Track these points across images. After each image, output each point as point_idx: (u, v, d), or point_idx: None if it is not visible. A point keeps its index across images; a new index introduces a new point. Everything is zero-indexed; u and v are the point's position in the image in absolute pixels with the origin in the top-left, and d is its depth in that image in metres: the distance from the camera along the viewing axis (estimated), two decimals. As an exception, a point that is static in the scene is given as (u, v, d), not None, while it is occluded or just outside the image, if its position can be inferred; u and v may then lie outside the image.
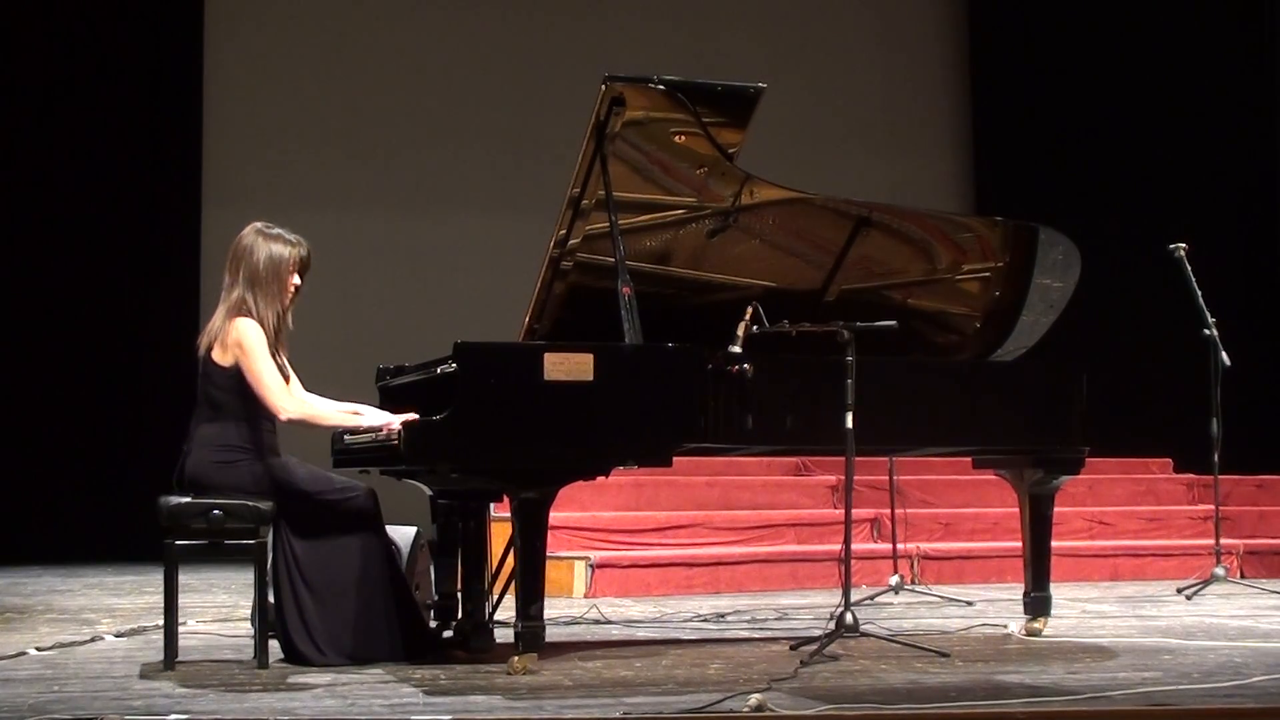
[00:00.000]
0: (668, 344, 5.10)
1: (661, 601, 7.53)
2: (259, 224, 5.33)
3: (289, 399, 5.15)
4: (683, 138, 5.37)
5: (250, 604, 5.46)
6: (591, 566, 7.83)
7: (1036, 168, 12.26)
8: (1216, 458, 7.96)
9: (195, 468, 5.14)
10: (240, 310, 5.18)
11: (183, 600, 5.42)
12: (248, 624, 5.68)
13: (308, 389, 5.35)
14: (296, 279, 5.29)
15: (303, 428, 5.22)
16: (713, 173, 5.48)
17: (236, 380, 5.15)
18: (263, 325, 5.17)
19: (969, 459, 6.25)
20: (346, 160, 11.75)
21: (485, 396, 4.90)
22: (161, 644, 5.06)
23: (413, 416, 5.03)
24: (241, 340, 5.12)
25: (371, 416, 5.25)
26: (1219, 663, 5.18)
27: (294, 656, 5.11)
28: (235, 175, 11.50)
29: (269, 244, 5.25)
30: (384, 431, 5.12)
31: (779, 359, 5.30)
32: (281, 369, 5.19)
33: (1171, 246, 8.01)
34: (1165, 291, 8.57)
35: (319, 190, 11.60)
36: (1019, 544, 6.14)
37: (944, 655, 5.32)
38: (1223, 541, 8.18)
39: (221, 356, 5.16)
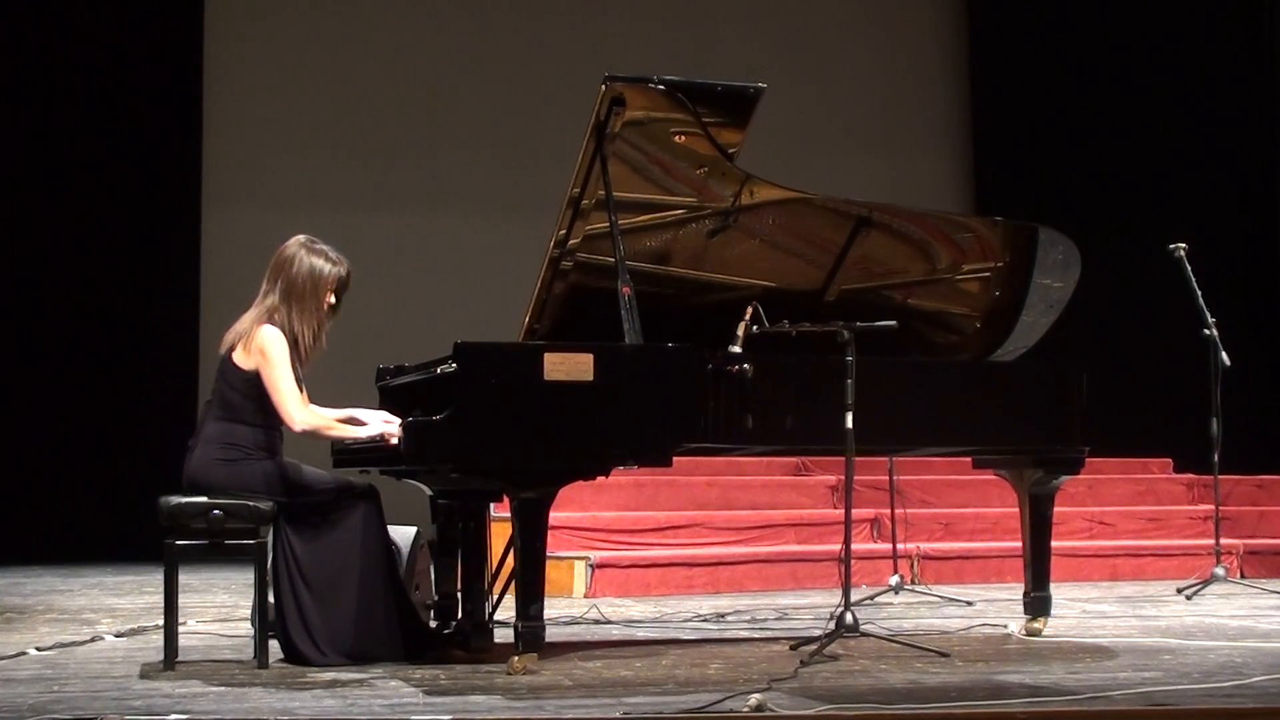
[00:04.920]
0: (668, 344, 5.10)
1: (661, 601, 7.53)
2: (304, 237, 5.32)
3: (303, 410, 5.15)
4: (683, 138, 5.37)
5: (250, 604, 5.46)
6: (591, 566, 7.83)
7: (1036, 168, 12.25)
8: (1216, 458, 7.96)
9: (198, 465, 5.15)
10: (270, 318, 5.19)
11: (183, 600, 5.41)
12: (248, 624, 5.68)
13: (310, 391, 5.36)
14: (333, 298, 5.28)
15: (311, 438, 5.23)
16: (713, 173, 5.48)
17: (253, 385, 5.15)
18: (292, 337, 5.18)
19: (969, 459, 6.25)
20: (346, 160, 11.75)
21: (485, 396, 4.90)
22: (161, 644, 5.06)
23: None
24: (265, 347, 5.12)
25: (374, 425, 5.24)
26: (1219, 663, 5.18)
27: (294, 656, 5.11)
28: (235, 175, 11.50)
29: (311, 258, 5.25)
30: (384, 442, 5.15)
31: (779, 359, 5.30)
32: (297, 381, 5.19)
33: (1171, 246, 8.01)
34: (1165, 291, 8.57)
35: (319, 190, 11.60)
36: (1019, 544, 6.14)
37: (944, 655, 5.32)
38: (1223, 541, 8.18)
39: (243, 360, 5.17)
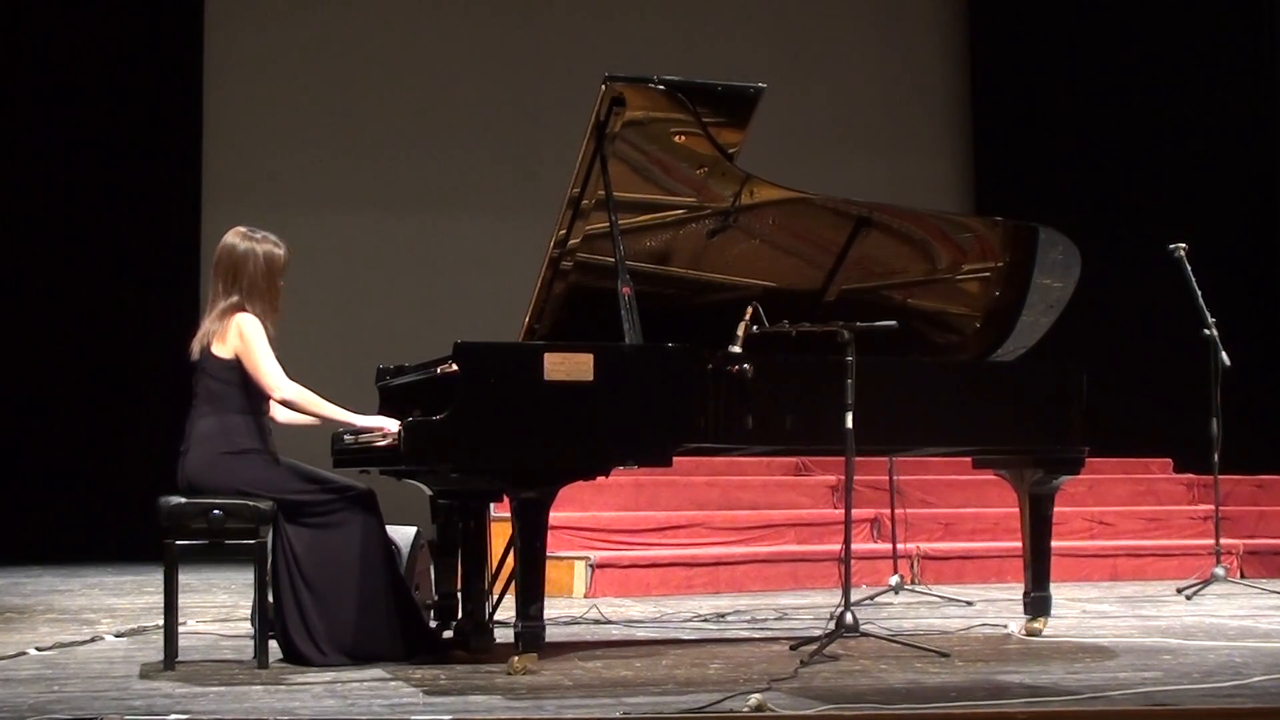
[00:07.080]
0: (668, 344, 5.10)
1: (661, 601, 7.53)
2: (242, 228, 5.36)
3: (284, 380, 5.17)
4: (683, 138, 5.37)
5: (250, 604, 5.46)
6: (591, 566, 7.83)
7: (1036, 168, 12.25)
8: (1216, 458, 7.96)
9: (194, 466, 5.15)
10: (238, 310, 5.20)
11: (183, 600, 5.42)
12: (248, 624, 5.68)
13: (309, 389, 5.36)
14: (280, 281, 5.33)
15: (294, 410, 5.24)
16: (713, 173, 5.47)
17: (235, 370, 5.18)
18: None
19: (969, 459, 6.25)
20: (346, 160, 11.75)
21: (485, 396, 4.90)
22: (161, 644, 5.06)
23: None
24: (243, 330, 5.16)
25: (371, 417, 5.26)
26: (1219, 663, 5.18)
27: (294, 656, 5.11)
28: (235, 175, 11.50)
29: (261, 246, 5.28)
30: (381, 436, 5.14)
31: (779, 359, 5.30)
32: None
33: (1171, 246, 8.01)
34: (1165, 291, 8.57)
35: (319, 190, 11.60)
36: (1019, 544, 6.13)
37: (944, 655, 5.32)
38: (1223, 541, 8.18)
39: (221, 349, 5.20)
